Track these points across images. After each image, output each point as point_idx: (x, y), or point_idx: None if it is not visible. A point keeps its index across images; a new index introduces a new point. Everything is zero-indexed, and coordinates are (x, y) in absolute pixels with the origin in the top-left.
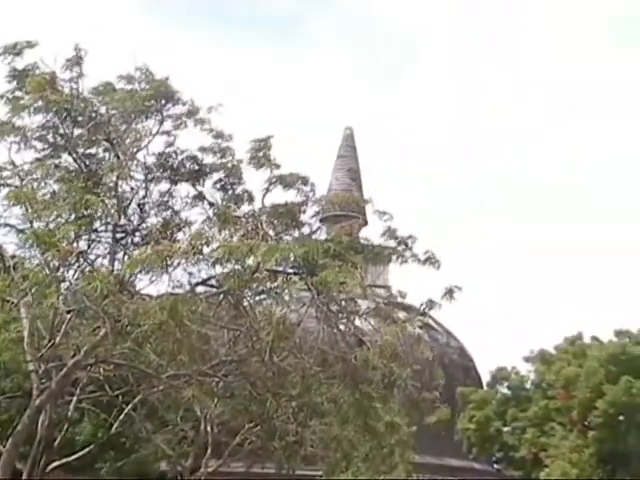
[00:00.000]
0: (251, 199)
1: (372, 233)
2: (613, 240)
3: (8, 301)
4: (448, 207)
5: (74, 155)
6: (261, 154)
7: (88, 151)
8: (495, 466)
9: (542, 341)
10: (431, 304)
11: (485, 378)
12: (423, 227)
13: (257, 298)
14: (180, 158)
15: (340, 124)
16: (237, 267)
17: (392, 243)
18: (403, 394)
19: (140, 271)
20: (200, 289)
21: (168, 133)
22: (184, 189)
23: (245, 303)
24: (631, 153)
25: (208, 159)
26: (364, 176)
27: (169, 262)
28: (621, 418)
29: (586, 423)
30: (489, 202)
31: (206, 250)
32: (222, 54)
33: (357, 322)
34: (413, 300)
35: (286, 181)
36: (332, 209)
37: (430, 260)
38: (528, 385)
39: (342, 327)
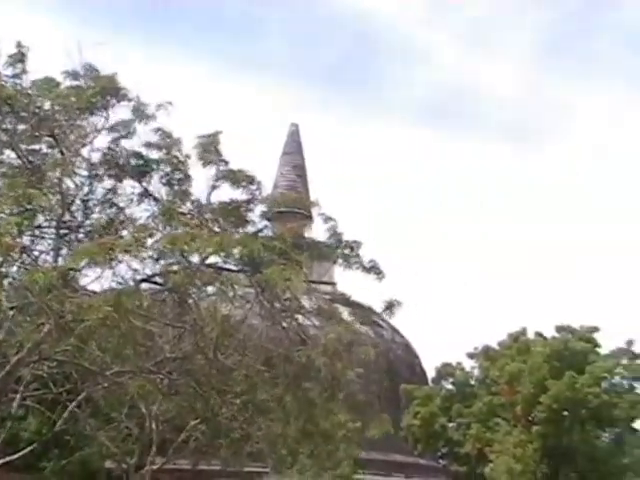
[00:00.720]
0: (197, 196)
1: (318, 229)
2: (553, 238)
3: None
4: (405, 206)
5: (17, 151)
6: (208, 150)
7: (32, 147)
8: (440, 461)
9: (486, 337)
10: (390, 307)
11: (430, 374)
12: (375, 226)
13: (202, 295)
14: (125, 154)
15: (291, 120)
16: (181, 260)
17: (337, 246)
18: (348, 392)
19: (84, 266)
20: (144, 286)
21: (113, 129)
22: (129, 186)
23: (190, 300)
24: None
25: (154, 155)
26: (311, 173)
27: (112, 255)
28: (565, 413)
29: (530, 418)
30: (437, 202)
31: (150, 242)
32: (168, 51)
33: (301, 320)
34: (359, 297)
35: (233, 178)
36: (278, 207)
37: (374, 270)
38: (472, 381)
39: (286, 325)
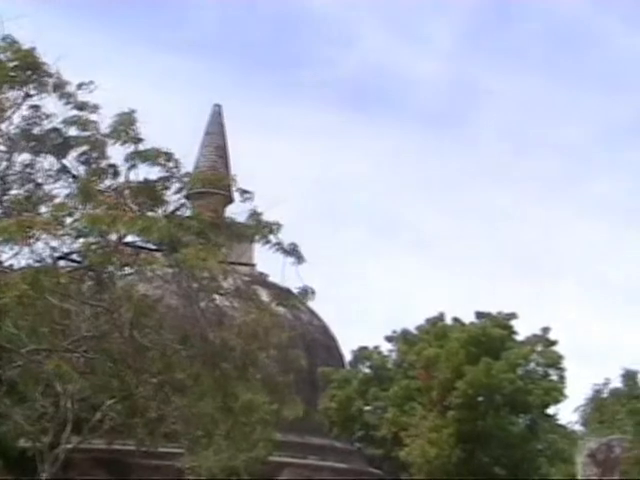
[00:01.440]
0: (116, 174)
1: (238, 210)
2: (469, 225)
3: None
4: (327, 187)
5: None
6: (125, 128)
7: None
8: (356, 445)
9: (404, 321)
10: (305, 293)
11: (347, 357)
12: (297, 207)
13: (119, 274)
14: (44, 129)
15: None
16: (99, 239)
17: (257, 227)
18: (264, 373)
19: (1, 242)
20: (62, 263)
21: (33, 105)
22: (48, 162)
23: (107, 278)
24: None
25: (72, 132)
26: (233, 154)
27: (30, 233)
28: (480, 399)
29: (446, 403)
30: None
31: (69, 221)
32: (92, 30)
33: (218, 301)
34: (279, 278)
35: (148, 156)
36: (197, 186)
37: (294, 253)
38: (390, 365)
39: (203, 305)
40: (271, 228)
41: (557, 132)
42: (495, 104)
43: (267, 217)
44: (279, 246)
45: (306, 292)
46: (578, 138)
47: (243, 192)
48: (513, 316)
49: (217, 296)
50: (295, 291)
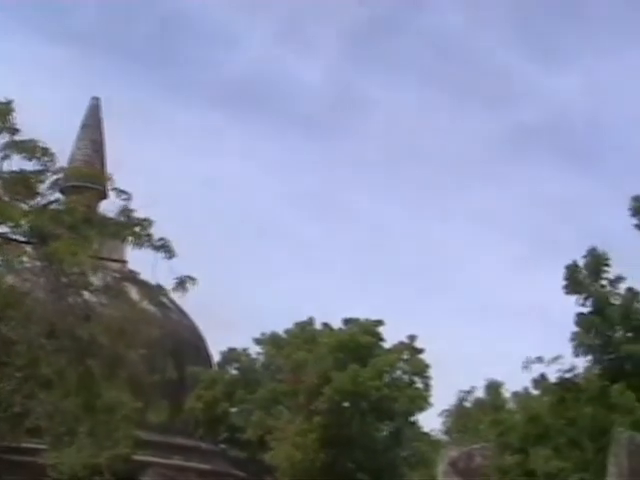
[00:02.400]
0: None
1: (112, 206)
2: (344, 230)
3: None
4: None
5: None
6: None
7: None
8: (221, 446)
9: (273, 324)
10: (182, 284)
11: (216, 358)
12: (172, 209)
13: None
14: None
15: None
16: None
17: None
18: (131, 371)
19: None
20: None
21: None
22: None
23: None
24: None
25: None
26: (110, 149)
27: None
28: (346, 405)
29: (312, 408)
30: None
31: None
32: None
33: (87, 296)
34: (151, 276)
35: (25, 148)
36: (72, 180)
37: (165, 249)
38: (258, 367)
39: (71, 300)
40: (142, 225)
41: (436, 143)
42: (377, 113)
43: (141, 214)
44: (149, 242)
45: (184, 282)
46: (460, 150)
47: (119, 192)
48: (380, 323)
49: (86, 292)
50: (172, 282)
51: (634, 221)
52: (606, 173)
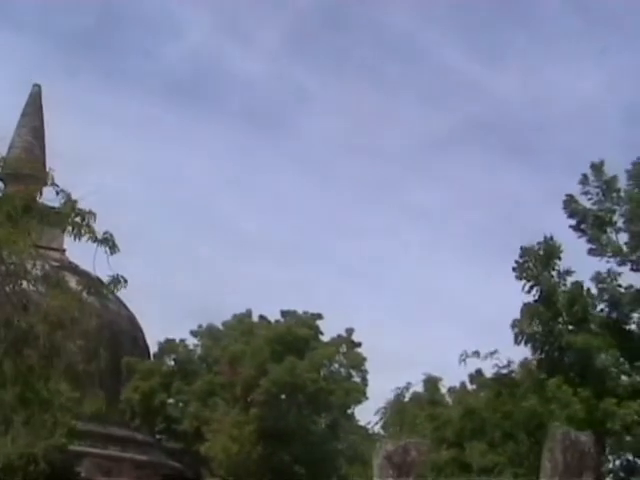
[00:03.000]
0: None
1: (52, 195)
2: (280, 224)
3: None
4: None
5: None
6: None
7: None
8: (157, 437)
9: (211, 316)
10: (115, 283)
11: (153, 349)
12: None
13: None
14: None
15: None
16: None
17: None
18: (68, 361)
19: None
20: None
21: None
22: None
23: None
24: None
25: None
26: (51, 137)
27: None
28: (283, 397)
29: (249, 400)
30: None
31: None
32: None
33: (25, 285)
34: (90, 266)
35: None
36: (10, 168)
37: (108, 242)
38: (195, 359)
39: (8, 289)
40: (84, 216)
41: (374, 138)
42: (315, 106)
43: (83, 205)
44: (91, 234)
45: (117, 281)
46: (397, 146)
47: (59, 190)
48: (319, 316)
49: (24, 280)
50: (105, 280)
51: (570, 221)
52: (544, 171)
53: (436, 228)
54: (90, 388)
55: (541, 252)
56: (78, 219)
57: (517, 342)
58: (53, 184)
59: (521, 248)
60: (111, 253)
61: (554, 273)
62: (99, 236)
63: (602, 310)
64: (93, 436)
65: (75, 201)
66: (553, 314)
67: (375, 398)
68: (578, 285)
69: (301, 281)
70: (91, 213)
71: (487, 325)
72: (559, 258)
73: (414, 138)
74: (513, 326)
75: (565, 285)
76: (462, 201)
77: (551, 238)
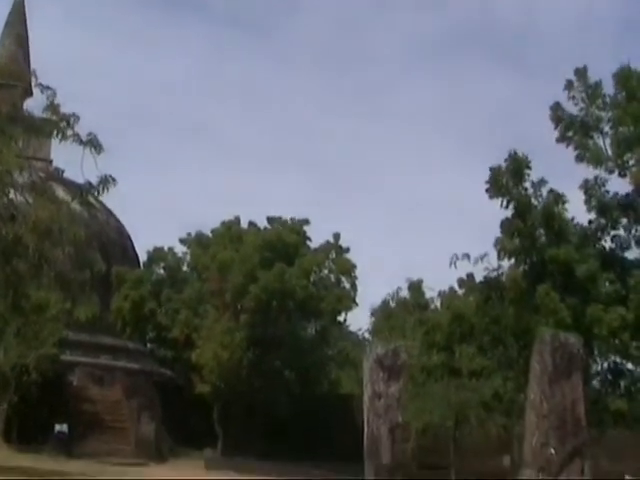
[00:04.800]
0: None
1: (37, 104)
2: (272, 139)
3: None
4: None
5: None
6: None
7: None
8: (148, 346)
9: (199, 223)
10: (104, 183)
11: (142, 258)
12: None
13: None
14: None
15: None
16: None
17: (54, 119)
18: (56, 272)
19: None
20: None
21: None
22: None
23: None
24: None
25: None
26: (36, 47)
27: None
28: (273, 304)
29: (239, 307)
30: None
31: None
32: None
33: (12, 195)
34: (77, 173)
35: None
36: None
37: (92, 143)
38: (184, 267)
39: None
40: (68, 120)
41: (365, 43)
42: (306, 12)
43: (67, 109)
44: (76, 137)
45: (106, 181)
46: (386, 52)
47: (44, 88)
48: (306, 222)
49: (11, 190)
50: (94, 180)
51: (555, 128)
52: (533, 77)
53: (425, 134)
54: (80, 297)
55: (510, 168)
56: (63, 124)
57: (500, 258)
58: (38, 84)
59: (490, 169)
60: (97, 153)
61: (528, 184)
62: (83, 138)
63: (578, 224)
64: (84, 346)
65: (58, 104)
66: (532, 227)
67: (364, 304)
68: (551, 196)
69: (288, 188)
70: (75, 116)
71: (478, 231)
72: (529, 168)
73: (407, 42)
74: (495, 243)
75: (541, 196)
76: (452, 107)
77: (516, 153)
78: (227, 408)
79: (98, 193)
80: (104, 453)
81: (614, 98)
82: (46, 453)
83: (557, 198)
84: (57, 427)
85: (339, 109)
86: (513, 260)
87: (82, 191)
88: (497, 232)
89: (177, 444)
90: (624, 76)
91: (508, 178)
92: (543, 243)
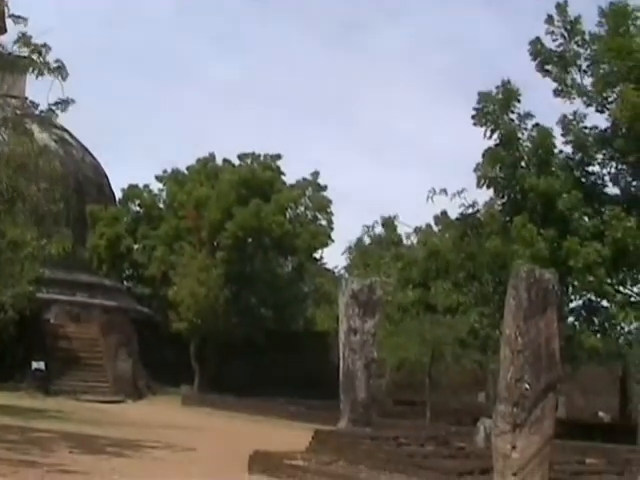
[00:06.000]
0: None
1: (10, 38)
2: (248, 71)
3: None
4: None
5: None
6: None
7: None
8: (125, 283)
9: (175, 160)
10: (64, 104)
11: (118, 195)
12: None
13: None
14: None
15: None
16: None
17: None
18: (32, 205)
19: None
20: None
21: None
22: None
23: None
24: None
25: None
26: None
27: None
28: (249, 241)
29: (215, 244)
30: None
31: None
32: None
33: None
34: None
35: None
36: None
37: (60, 70)
38: (160, 204)
39: None
40: (40, 51)
41: None
42: None
43: (39, 41)
44: (46, 66)
45: (66, 103)
46: None
47: (16, 18)
48: (278, 157)
49: None
50: (53, 103)
51: (533, 60)
52: (515, 15)
53: (401, 70)
54: (54, 232)
55: (500, 96)
56: (35, 56)
57: (479, 186)
58: (10, 15)
59: (479, 94)
60: (63, 80)
61: (514, 117)
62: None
63: (561, 151)
64: (61, 283)
65: (30, 36)
66: (515, 158)
67: (341, 241)
68: (542, 128)
69: (262, 123)
70: (46, 46)
71: (453, 167)
72: (518, 101)
73: None
74: (476, 170)
75: (526, 129)
76: (428, 43)
77: (508, 82)
78: (204, 345)
79: (54, 113)
80: (81, 390)
81: (594, 35)
82: (23, 390)
83: (544, 131)
84: (34, 364)
85: (315, 44)
86: (492, 191)
87: (58, 130)
88: (473, 175)
89: (154, 381)
90: (613, 10)
91: (496, 106)
92: (524, 172)
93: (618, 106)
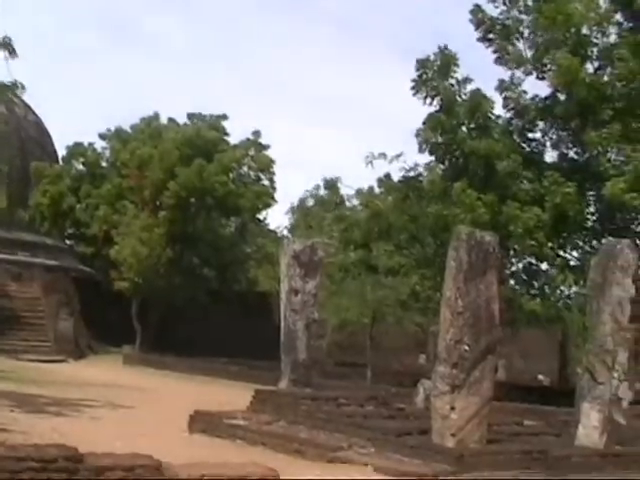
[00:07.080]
0: None
1: None
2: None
3: None
4: None
5: None
6: None
7: None
8: (67, 242)
9: (119, 119)
10: (15, 88)
11: (61, 153)
12: None
13: None
14: None
15: None
16: None
17: None
18: None
19: None
20: None
21: None
22: None
23: None
24: None
25: None
26: None
27: None
28: (192, 200)
29: (158, 203)
30: None
31: None
32: None
33: None
34: None
35: None
36: None
37: (6, 47)
38: (103, 163)
39: None
40: None
41: None
42: None
43: None
44: None
45: (16, 86)
46: None
47: None
48: (224, 117)
49: None
50: (6, 83)
51: (476, 30)
52: None
53: (341, 34)
54: None
55: (438, 62)
56: None
57: (421, 151)
58: None
59: (417, 61)
60: (10, 58)
61: (453, 82)
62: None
63: (500, 116)
64: (2, 242)
65: None
66: (455, 122)
67: (284, 202)
68: (478, 92)
69: (208, 86)
70: None
71: (393, 132)
72: (457, 65)
73: None
74: (417, 135)
75: (465, 94)
76: (369, 6)
77: (446, 47)
78: (146, 305)
79: (12, 94)
80: (22, 349)
81: (537, 1)
82: None
83: (479, 95)
84: None
85: (260, 7)
86: (433, 157)
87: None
88: (410, 133)
89: (96, 341)
90: None
91: (435, 72)
92: (465, 136)
93: (554, 72)
